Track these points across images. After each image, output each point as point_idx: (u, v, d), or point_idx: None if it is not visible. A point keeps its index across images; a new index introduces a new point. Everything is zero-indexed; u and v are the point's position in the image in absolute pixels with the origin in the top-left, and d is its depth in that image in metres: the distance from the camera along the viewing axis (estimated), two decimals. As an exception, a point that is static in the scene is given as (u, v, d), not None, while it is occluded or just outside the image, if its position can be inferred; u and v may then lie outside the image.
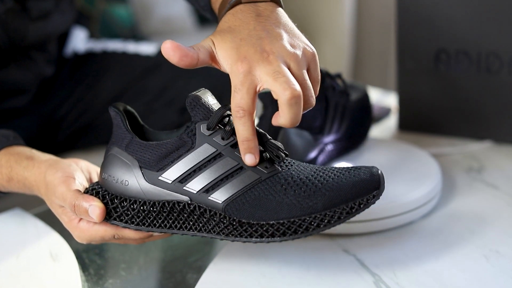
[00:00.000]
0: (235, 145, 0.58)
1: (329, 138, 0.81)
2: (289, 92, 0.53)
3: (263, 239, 0.57)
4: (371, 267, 0.64)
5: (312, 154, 0.77)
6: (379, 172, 0.59)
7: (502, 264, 0.64)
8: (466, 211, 0.76)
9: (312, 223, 0.56)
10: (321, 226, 0.56)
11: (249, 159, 0.57)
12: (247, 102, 0.55)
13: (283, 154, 0.59)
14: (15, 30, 0.92)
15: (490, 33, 0.92)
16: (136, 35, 1.71)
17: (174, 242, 0.74)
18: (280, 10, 0.61)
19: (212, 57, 0.58)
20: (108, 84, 1.10)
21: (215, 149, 0.58)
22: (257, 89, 0.55)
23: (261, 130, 0.59)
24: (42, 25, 0.96)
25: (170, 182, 0.59)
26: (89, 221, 0.62)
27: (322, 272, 0.63)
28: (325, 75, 0.81)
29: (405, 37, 1.00)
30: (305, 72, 0.57)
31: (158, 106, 1.09)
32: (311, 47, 0.59)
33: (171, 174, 0.59)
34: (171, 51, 0.56)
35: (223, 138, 0.58)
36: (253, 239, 0.57)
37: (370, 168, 0.59)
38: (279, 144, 0.59)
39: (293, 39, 0.58)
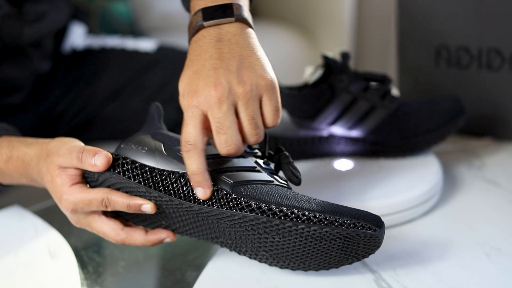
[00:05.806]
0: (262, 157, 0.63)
1: (337, 131, 0.80)
2: (226, 150, 0.57)
3: (260, 216, 0.57)
4: (372, 265, 0.63)
5: (293, 134, 0.78)
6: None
7: (503, 261, 0.63)
8: (467, 208, 0.75)
9: (313, 218, 0.57)
10: (316, 222, 0.56)
11: (200, 193, 0.58)
12: (194, 136, 0.56)
13: (296, 180, 0.61)
14: (9, 35, 0.91)
15: (491, 29, 0.92)
16: (135, 31, 1.70)
17: (173, 239, 0.74)
18: (246, 31, 0.60)
19: None
20: (106, 80, 1.09)
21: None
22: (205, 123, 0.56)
23: (286, 152, 0.62)
24: (37, 27, 0.96)
25: None
26: (82, 186, 0.62)
27: (322, 270, 0.62)
28: (339, 66, 0.80)
29: (406, 33, 1.00)
30: (254, 109, 0.57)
31: (157, 103, 1.09)
32: (267, 76, 0.57)
33: None
34: None
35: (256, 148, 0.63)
36: (249, 214, 0.57)
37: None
38: (297, 173, 0.61)
39: (248, 69, 0.57)
